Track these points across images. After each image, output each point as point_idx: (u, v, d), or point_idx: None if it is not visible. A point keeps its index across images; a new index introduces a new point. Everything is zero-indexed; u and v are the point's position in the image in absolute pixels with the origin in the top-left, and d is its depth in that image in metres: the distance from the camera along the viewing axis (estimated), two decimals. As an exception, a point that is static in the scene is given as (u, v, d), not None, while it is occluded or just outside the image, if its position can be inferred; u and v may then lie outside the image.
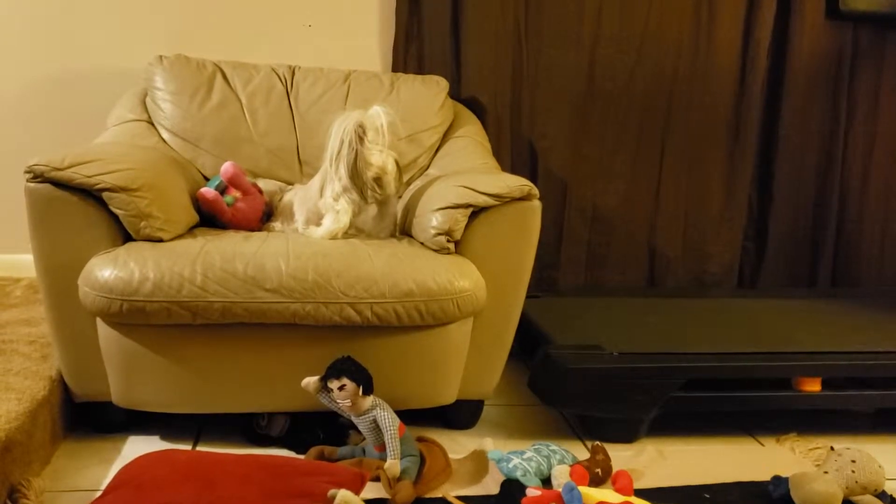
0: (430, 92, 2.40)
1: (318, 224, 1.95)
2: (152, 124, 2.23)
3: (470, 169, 2.15)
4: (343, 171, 1.89)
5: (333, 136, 1.90)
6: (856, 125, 2.89)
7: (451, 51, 2.60)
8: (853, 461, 1.63)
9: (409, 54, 2.60)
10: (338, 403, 1.65)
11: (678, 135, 2.79)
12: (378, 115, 1.91)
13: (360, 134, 1.88)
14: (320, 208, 1.95)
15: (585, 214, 2.77)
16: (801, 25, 2.75)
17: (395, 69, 2.59)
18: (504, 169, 2.36)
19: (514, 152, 2.69)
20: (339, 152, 1.89)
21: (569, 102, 2.70)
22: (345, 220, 1.90)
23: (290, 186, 2.19)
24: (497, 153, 2.53)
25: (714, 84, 2.77)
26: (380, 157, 1.91)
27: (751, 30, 2.74)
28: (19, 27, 2.46)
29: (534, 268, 1.92)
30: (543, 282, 2.78)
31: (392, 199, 2.00)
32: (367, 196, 1.92)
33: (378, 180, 1.92)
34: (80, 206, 1.65)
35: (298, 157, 2.30)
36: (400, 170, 1.97)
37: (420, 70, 2.59)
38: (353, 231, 1.95)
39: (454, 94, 2.57)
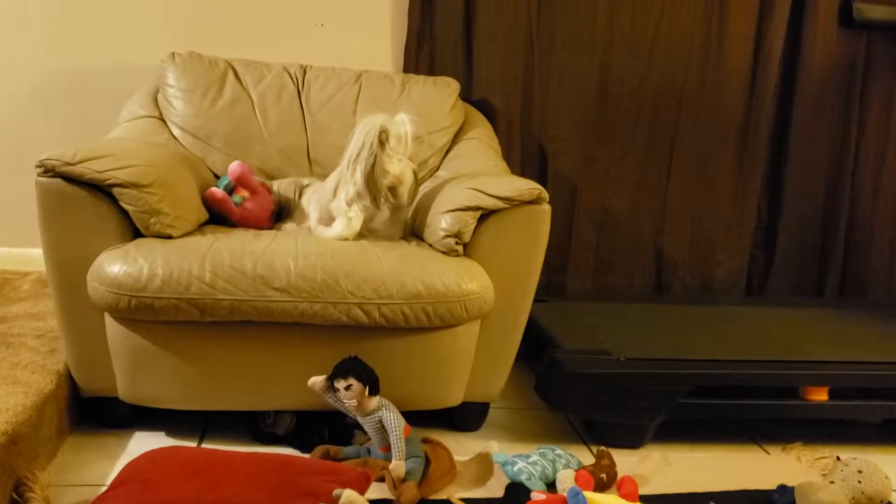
0: (442, 93, 2.40)
1: (330, 223, 1.94)
2: (164, 121, 2.24)
3: (480, 171, 2.15)
4: (359, 175, 1.87)
5: (356, 138, 1.88)
6: (867, 135, 2.87)
7: (462, 53, 2.60)
8: (860, 471, 1.63)
9: (420, 55, 2.60)
10: (344, 403, 1.65)
11: (688, 141, 2.78)
12: (403, 122, 1.88)
13: (383, 139, 1.86)
14: (332, 210, 1.94)
15: (594, 219, 2.77)
16: (814, 34, 2.74)
17: (406, 70, 2.59)
18: (514, 171, 2.36)
19: (523, 155, 2.69)
20: (357, 155, 1.87)
21: (579, 106, 2.70)
22: (356, 226, 1.88)
23: (307, 182, 2.18)
24: (507, 156, 2.53)
25: (724, 90, 2.76)
26: (398, 167, 1.89)
27: (762, 37, 2.73)
28: (31, 23, 2.47)
29: (542, 271, 1.92)
30: (551, 286, 2.77)
31: (404, 206, 1.99)
32: (380, 203, 1.90)
33: (393, 189, 1.90)
34: (91, 202, 1.66)
35: (308, 156, 2.30)
36: (417, 181, 1.95)
37: (431, 71, 2.59)
38: (364, 231, 1.94)
39: (465, 95, 2.57)
